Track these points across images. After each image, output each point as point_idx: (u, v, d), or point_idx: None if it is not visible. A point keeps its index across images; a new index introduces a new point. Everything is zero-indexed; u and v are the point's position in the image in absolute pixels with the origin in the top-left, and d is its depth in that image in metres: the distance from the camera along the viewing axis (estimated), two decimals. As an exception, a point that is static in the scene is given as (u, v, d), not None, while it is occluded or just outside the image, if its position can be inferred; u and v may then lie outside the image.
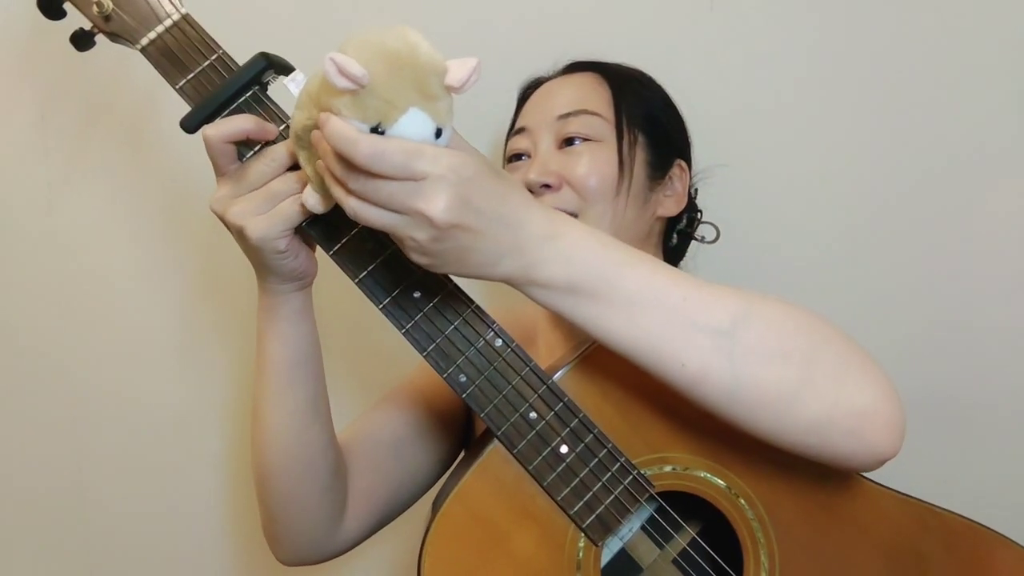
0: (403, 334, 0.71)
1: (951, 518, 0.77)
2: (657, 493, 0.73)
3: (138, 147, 1.16)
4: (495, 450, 0.71)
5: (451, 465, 0.94)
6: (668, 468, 0.73)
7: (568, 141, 0.90)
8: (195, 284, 1.20)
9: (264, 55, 0.71)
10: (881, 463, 0.69)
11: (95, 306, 1.19)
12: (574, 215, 0.86)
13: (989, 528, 0.77)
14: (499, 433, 0.70)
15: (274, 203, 0.68)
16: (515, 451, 0.71)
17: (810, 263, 1.17)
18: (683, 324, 0.65)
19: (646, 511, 0.77)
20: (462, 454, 0.95)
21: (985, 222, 1.16)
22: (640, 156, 0.91)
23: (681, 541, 0.77)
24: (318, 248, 0.73)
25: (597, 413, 0.72)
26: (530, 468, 0.71)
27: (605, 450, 0.72)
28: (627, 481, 0.72)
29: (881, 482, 0.77)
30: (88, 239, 1.17)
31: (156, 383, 1.21)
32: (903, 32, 1.14)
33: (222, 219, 0.69)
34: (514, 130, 0.96)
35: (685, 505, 0.76)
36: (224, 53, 0.72)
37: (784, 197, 1.11)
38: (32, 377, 1.20)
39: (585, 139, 0.89)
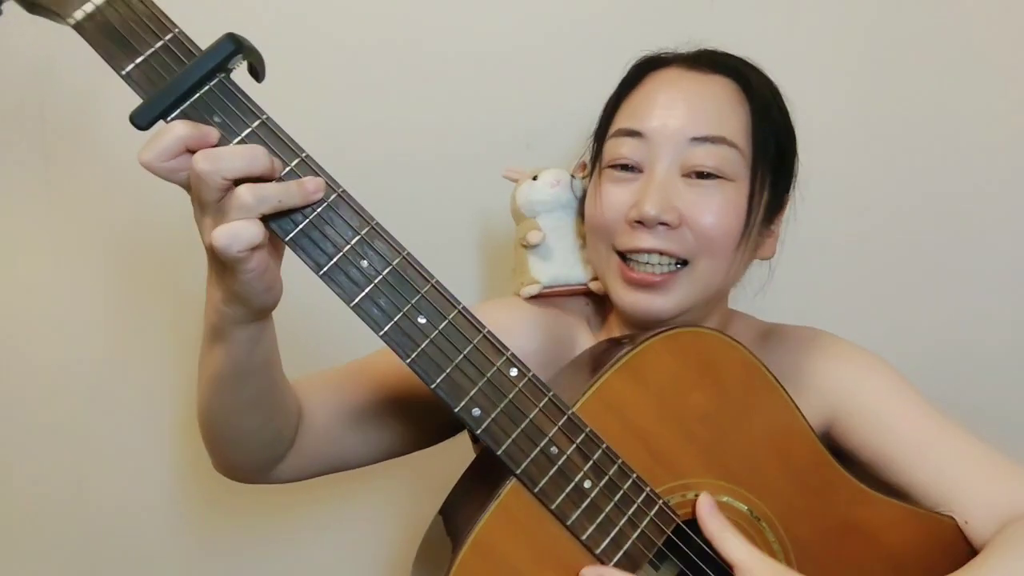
0: (408, 364, 0.62)
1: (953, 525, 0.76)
2: (683, 521, 0.68)
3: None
4: (512, 488, 0.64)
5: (418, 445, 0.84)
6: (691, 495, 0.69)
7: (698, 174, 0.76)
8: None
9: (233, 37, 0.59)
10: None
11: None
12: (684, 261, 0.77)
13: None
14: (518, 471, 0.63)
15: (227, 217, 0.57)
16: (536, 490, 0.64)
17: (813, 266, 1.15)
18: None
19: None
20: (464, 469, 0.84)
21: (994, 227, 1.15)
22: (764, 199, 0.79)
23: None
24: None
25: (618, 442, 0.66)
26: (552, 507, 0.64)
27: (630, 481, 0.66)
28: (653, 512, 0.67)
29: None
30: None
31: (158, 383, 1.13)
32: (904, 30, 1.11)
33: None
34: (622, 128, 0.79)
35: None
36: (180, 32, 0.59)
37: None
38: (33, 378, 1.11)
39: (718, 177, 0.76)
